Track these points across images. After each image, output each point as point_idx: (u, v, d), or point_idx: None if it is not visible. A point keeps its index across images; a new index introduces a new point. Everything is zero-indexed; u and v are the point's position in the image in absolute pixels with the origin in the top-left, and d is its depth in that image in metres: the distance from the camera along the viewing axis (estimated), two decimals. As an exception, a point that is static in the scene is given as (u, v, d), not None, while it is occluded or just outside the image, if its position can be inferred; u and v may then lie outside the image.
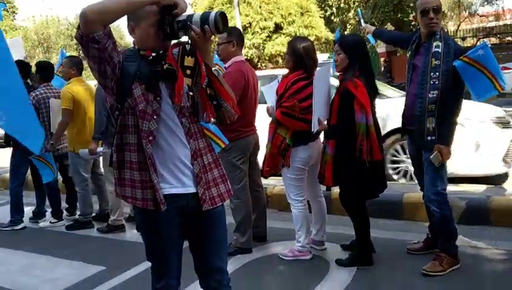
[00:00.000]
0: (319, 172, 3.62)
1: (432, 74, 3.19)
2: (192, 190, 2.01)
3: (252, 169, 4.13)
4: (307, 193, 3.82)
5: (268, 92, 4.04)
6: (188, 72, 1.97)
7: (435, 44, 3.21)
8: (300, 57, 3.61)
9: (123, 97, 1.93)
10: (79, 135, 4.95)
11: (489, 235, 3.98)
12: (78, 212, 5.26)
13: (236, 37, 3.92)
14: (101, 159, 5.10)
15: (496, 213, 4.22)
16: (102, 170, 5.33)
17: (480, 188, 4.79)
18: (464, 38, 20.93)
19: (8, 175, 5.58)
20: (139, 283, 3.50)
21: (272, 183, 5.35)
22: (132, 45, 2.06)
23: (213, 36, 1.95)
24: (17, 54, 5.57)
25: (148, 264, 2.21)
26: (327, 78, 3.60)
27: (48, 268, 4.02)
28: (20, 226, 5.28)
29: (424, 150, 3.34)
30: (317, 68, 3.68)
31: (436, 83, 3.17)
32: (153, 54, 1.95)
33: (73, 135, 5.00)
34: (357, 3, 21.03)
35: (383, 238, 4.00)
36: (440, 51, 3.19)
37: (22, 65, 5.14)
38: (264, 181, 4.35)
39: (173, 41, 2.01)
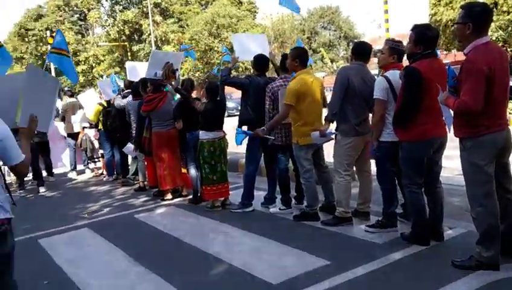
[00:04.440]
0: None
1: None
2: None
3: (501, 172, 3.50)
4: None
5: None
6: None
7: None
8: None
9: None
10: (303, 127, 4.88)
11: None
12: (305, 203, 5.30)
13: (474, 18, 3.31)
14: (331, 147, 4.97)
15: None
16: (327, 161, 5.26)
17: None
18: None
19: (243, 160, 5.97)
20: (367, 285, 3.29)
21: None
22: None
23: None
24: (262, 50, 5.92)
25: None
26: None
27: (276, 254, 4.14)
28: (249, 209, 5.64)
29: None
30: None
31: None
32: None
33: (298, 127, 4.94)
34: None
35: None
36: None
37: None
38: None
39: None
